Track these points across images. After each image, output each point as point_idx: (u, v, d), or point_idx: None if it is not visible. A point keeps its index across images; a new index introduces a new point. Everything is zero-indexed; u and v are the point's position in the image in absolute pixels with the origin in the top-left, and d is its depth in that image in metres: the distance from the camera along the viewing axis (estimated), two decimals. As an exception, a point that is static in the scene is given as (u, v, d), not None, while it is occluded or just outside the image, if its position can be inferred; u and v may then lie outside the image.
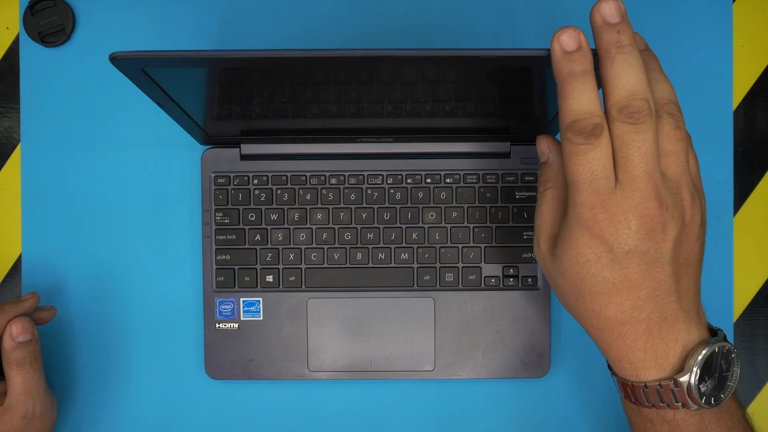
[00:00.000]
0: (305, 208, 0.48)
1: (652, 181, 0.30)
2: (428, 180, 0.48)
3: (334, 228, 0.48)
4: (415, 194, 0.48)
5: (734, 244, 0.50)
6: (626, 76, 0.30)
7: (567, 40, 0.29)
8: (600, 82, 0.31)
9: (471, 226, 0.48)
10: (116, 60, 0.30)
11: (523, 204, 0.48)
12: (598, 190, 0.31)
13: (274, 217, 0.48)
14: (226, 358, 0.48)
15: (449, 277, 0.48)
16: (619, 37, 0.29)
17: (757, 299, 0.50)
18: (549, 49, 0.30)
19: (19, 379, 0.42)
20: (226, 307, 0.49)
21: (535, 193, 0.48)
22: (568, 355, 0.50)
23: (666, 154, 0.32)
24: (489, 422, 0.50)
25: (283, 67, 0.34)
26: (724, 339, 0.34)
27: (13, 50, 0.50)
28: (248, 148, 0.48)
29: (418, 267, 0.48)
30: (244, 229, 0.48)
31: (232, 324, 0.48)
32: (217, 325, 0.48)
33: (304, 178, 0.48)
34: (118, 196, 0.50)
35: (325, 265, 0.48)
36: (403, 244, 0.48)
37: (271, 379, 0.48)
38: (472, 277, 0.48)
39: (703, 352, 0.32)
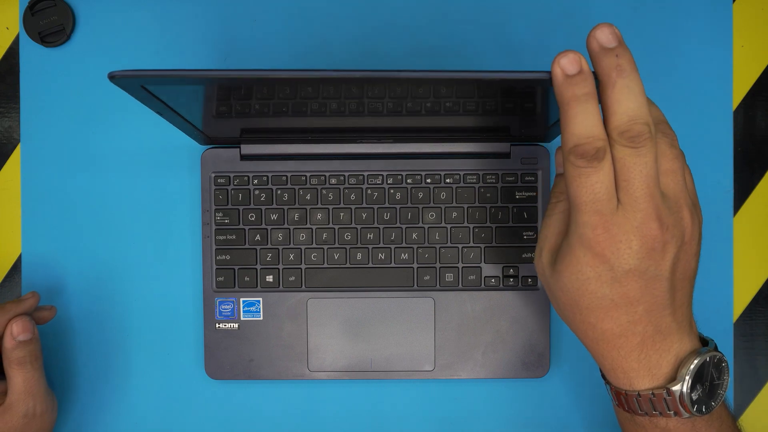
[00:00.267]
0: (305, 208, 0.48)
1: (653, 203, 0.31)
2: (428, 180, 0.48)
3: (334, 228, 0.48)
4: (415, 194, 0.48)
5: (734, 244, 0.50)
6: (627, 101, 0.30)
7: (568, 64, 0.29)
8: (601, 104, 0.31)
9: (471, 226, 0.48)
10: (115, 79, 0.30)
11: (523, 204, 0.48)
12: (600, 212, 0.31)
13: (274, 217, 0.48)
14: (226, 358, 0.48)
15: (449, 277, 0.48)
16: (619, 60, 0.29)
17: (757, 299, 0.50)
18: (550, 72, 0.30)
19: (19, 378, 0.42)
20: (226, 307, 0.49)
21: (534, 194, 0.48)
22: (568, 355, 0.50)
23: (664, 173, 0.32)
24: (489, 422, 0.50)
25: (282, 86, 0.35)
26: (715, 348, 0.35)
27: (13, 50, 0.50)
28: (248, 149, 0.48)
29: (418, 267, 0.48)
30: (244, 229, 0.48)
31: (232, 324, 0.48)
32: (217, 325, 0.48)
33: (304, 178, 0.48)
34: (118, 196, 0.50)
35: (325, 265, 0.48)
36: (403, 244, 0.48)
37: (271, 379, 0.49)
38: (472, 277, 0.48)
39: (695, 361, 0.33)
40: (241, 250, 0.48)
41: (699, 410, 0.34)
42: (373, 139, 0.47)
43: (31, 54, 0.50)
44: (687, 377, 0.33)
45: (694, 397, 0.33)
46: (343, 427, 0.50)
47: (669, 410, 0.34)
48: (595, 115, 0.30)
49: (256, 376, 0.48)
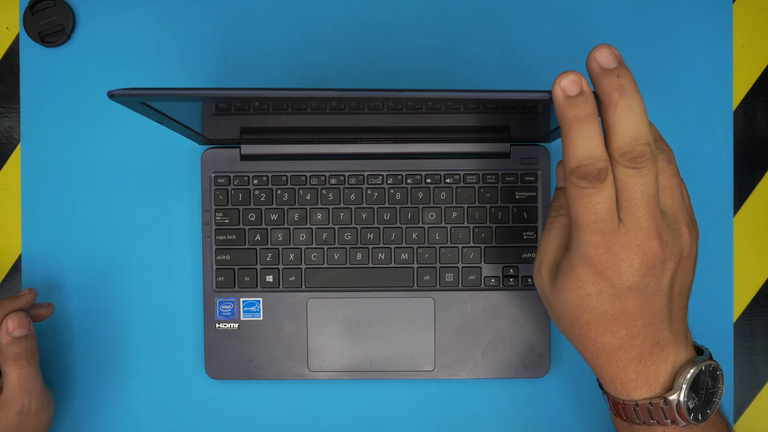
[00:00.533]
0: (305, 208, 0.48)
1: (654, 221, 0.31)
2: (428, 180, 0.48)
3: (334, 228, 0.48)
4: (415, 194, 0.48)
5: (734, 244, 0.50)
6: (629, 121, 0.30)
7: (568, 85, 0.29)
8: (602, 124, 0.31)
9: (471, 226, 0.48)
10: (115, 97, 0.31)
11: (523, 204, 0.48)
12: (602, 231, 0.31)
13: (274, 217, 0.48)
14: (226, 358, 0.48)
15: (449, 277, 0.48)
16: (620, 81, 0.29)
17: (757, 299, 0.50)
18: (550, 92, 0.30)
19: (14, 375, 0.42)
20: (226, 307, 0.49)
21: (534, 194, 0.48)
22: (568, 355, 0.50)
23: (662, 189, 0.33)
24: (489, 422, 0.50)
25: (281, 102, 0.35)
26: (710, 357, 0.35)
27: (13, 50, 0.50)
28: (248, 149, 0.48)
29: (418, 267, 0.48)
30: (244, 229, 0.48)
31: (232, 324, 0.48)
32: (217, 325, 0.48)
33: (304, 178, 0.48)
34: (117, 195, 0.50)
35: (325, 265, 0.48)
36: (403, 244, 0.48)
37: (271, 379, 0.49)
38: (472, 277, 0.48)
39: (691, 371, 0.34)
40: (241, 250, 0.48)
41: (695, 418, 0.34)
42: (373, 139, 0.47)
43: (31, 54, 0.50)
44: (684, 386, 0.33)
45: (691, 405, 0.34)
46: (343, 427, 0.50)
47: (666, 419, 0.34)
48: (596, 137, 0.30)
49: (256, 376, 0.48)
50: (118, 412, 0.50)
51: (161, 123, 0.39)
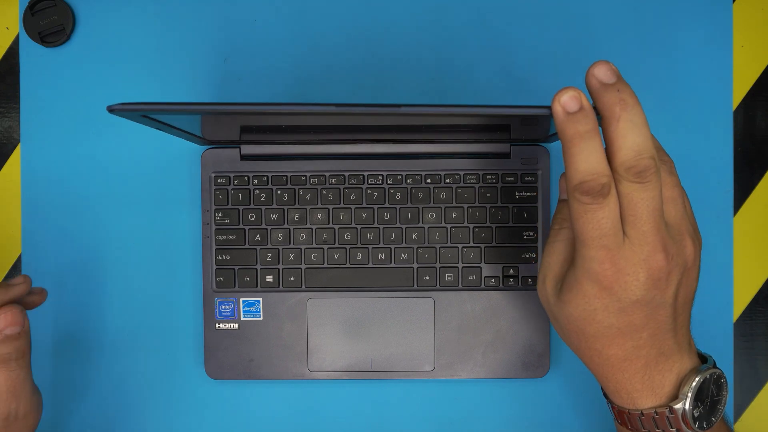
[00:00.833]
0: (305, 208, 0.48)
1: (659, 235, 0.31)
2: (428, 180, 0.48)
3: (334, 228, 0.48)
4: (415, 194, 0.48)
5: (734, 244, 0.50)
6: (632, 135, 0.30)
7: (569, 102, 0.29)
8: (605, 139, 0.31)
9: (471, 226, 0.48)
10: (115, 112, 0.31)
11: (523, 204, 0.48)
12: (607, 246, 0.31)
13: (274, 217, 0.48)
14: (226, 358, 0.48)
15: (449, 277, 0.48)
16: (621, 95, 0.29)
17: (757, 299, 0.50)
18: (550, 107, 0.30)
19: (1, 378, 0.38)
20: (226, 307, 0.49)
21: (534, 194, 0.48)
22: (568, 355, 0.50)
23: (666, 201, 0.33)
24: (489, 422, 0.50)
25: (280, 116, 0.35)
26: (714, 365, 0.35)
27: (13, 50, 0.50)
28: (248, 149, 0.48)
29: (418, 267, 0.48)
30: (244, 229, 0.48)
31: (232, 324, 0.48)
32: (217, 325, 0.48)
33: (304, 178, 0.48)
34: (118, 195, 0.50)
35: (325, 265, 0.48)
36: (403, 244, 0.48)
37: (271, 379, 0.49)
38: (472, 277, 0.48)
39: (696, 379, 0.34)
40: (241, 250, 0.48)
41: (700, 426, 0.34)
42: (373, 139, 0.47)
43: (31, 54, 0.50)
44: (689, 395, 0.33)
45: (696, 414, 0.34)
46: (343, 427, 0.50)
47: (671, 427, 0.34)
48: (598, 152, 0.30)
49: (256, 376, 0.48)
50: (118, 412, 0.50)
51: (161, 130, 0.39)
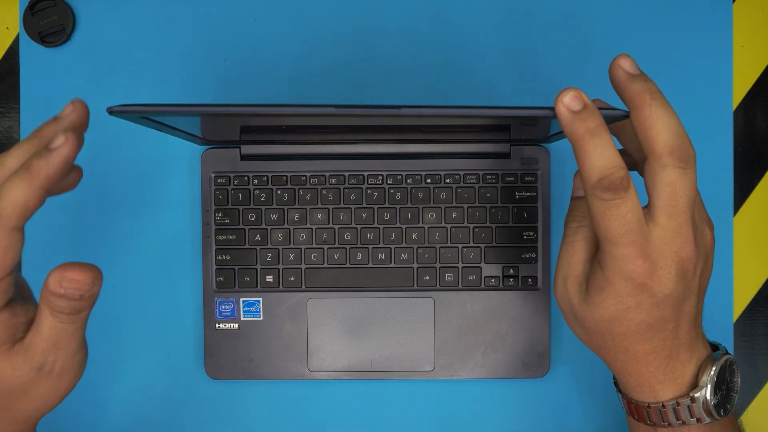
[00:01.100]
0: (305, 208, 0.48)
1: (693, 226, 0.31)
2: (428, 180, 0.48)
3: (334, 228, 0.48)
4: (415, 194, 0.48)
5: (734, 244, 0.50)
6: (668, 118, 0.29)
7: (571, 101, 0.29)
8: (637, 128, 0.30)
9: (471, 226, 0.48)
10: (114, 113, 0.31)
11: (523, 204, 0.48)
12: (636, 242, 0.30)
13: (274, 217, 0.48)
14: (226, 358, 0.48)
15: (449, 277, 0.48)
16: (649, 84, 0.29)
17: (757, 299, 0.50)
18: (553, 108, 0.29)
19: (47, 324, 0.30)
20: (226, 307, 0.49)
21: (534, 194, 0.48)
22: (568, 355, 0.50)
23: None
24: (489, 422, 0.50)
25: (280, 117, 0.35)
26: (726, 352, 0.35)
27: (13, 50, 0.50)
28: (248, 149, 0.48)
29: (418, 267, 0.48)
30: (244, 229, 0.48)
31: (232, 324, 0.48)
32: (217, 325, 0.48)
33: (304, 178, 0.48)
34: (118, 195, 0.50)
35: (325, 265, 0.48)
36: (403, 244, 0.48)
37: (271, 379, 0.49)
38: (472, 277, 0.48)
39: (714, 367, 0.34)
40: (241, 250, 0.48)
41: (719, 414, 0.34)
42: (373, 139, 0.47)
43: (31, 54, 0.50)
44: (709, 383, 0.33)
45: (714, 401, 0.34)
46: (343, 427, 0.50)
47: (692, 417, 0.34)
48: (612, 146, 0.29)
49: (256, 376, 0.48)
50: (118, 412, 0.50)
51: (161, 131, 0.39)
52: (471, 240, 0.48)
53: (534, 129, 0.44)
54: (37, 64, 0.50)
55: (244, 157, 0.48)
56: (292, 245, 0.48)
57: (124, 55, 0.50)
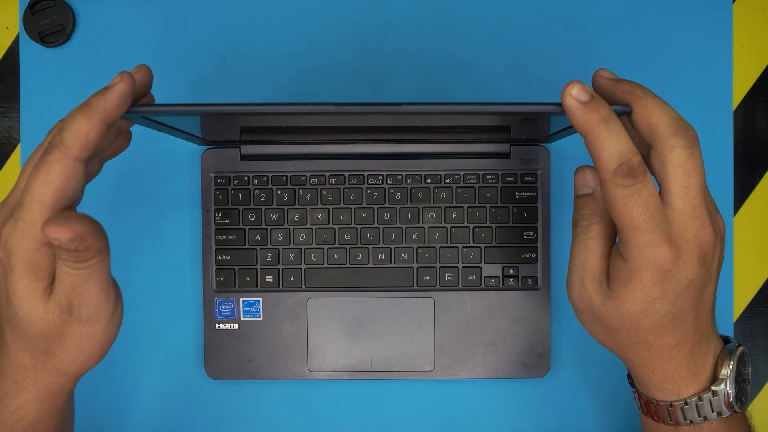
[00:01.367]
0: (305, 208, 0.48)
1: (707, 207, 0.31)
2: (428, 180, 0.48)
3: (334, 228, 0.48)
4: (415, 194, 0.48)
5: (734, 244, 0.50)
6: (664, 105, 0.30)
7: (580, 93, 0.29)
8: (638, 119, 0.31)
9: (471, 226, 0.48)
10: None
11: (523, 204, 0.48)
12: (659, 227, 0.30)
13: (274, 217, 0.48)
14: (226, 358, 0.48)
15: (449, 277, 0.48)
16: (634, 83, 0.31)
17: (757, 299, 0.50)
18: (558, 104, 0.30)
19: (61, 269, 0.31)
20: (226, 307, 0.49)
21: (534, 194, 0.48)
22: (568, 355, 0.50)
23: None
24: (489, 422, 0.50)
25: (280, 116, 0.35)
26: (738, 342, 0.35)
27: (13, 50, 0.50)
28: (248, 149, 0.48)
29: (418, 267, 0.48)
30: (244, 229, 0.48)
31: (232, 324, 0.48)
32: (217, 325, 0.48)
33: (304, 178, 0.48)
34: (118, 195, 0.50)
35: (325, 265, 0.48)
36: (403, 244, 0.48)
37: (271, 379, 0.49)
38: (472, 277, 0.48)
39: (732, 360, 0.33)
40: (241, 250, 0.48)
41: (739, 407, 0.34)
42: (373, 139, 0.47)
43: (31, 54, 0.50)
44: (729, 376, 0.33)
45: (734, 393, 0.34)
46: (343, 427, 0.50)
47: (712, 412, 0.34)
48: (624, 131, 0.29)
49: (256, 376, 0.48)
50: (118, 412, 0.50)
51: (161, 131, 0.39)
52: (471, 240, 0.48)
53: (534, 129, 0.44)
54: (37, 64, 0.50)
55: (244, 157, 0.48)
56: (292, 245, 0.48)
57: (124, 55, 0.50)
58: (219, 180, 0.48)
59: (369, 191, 0.48)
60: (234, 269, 0.48)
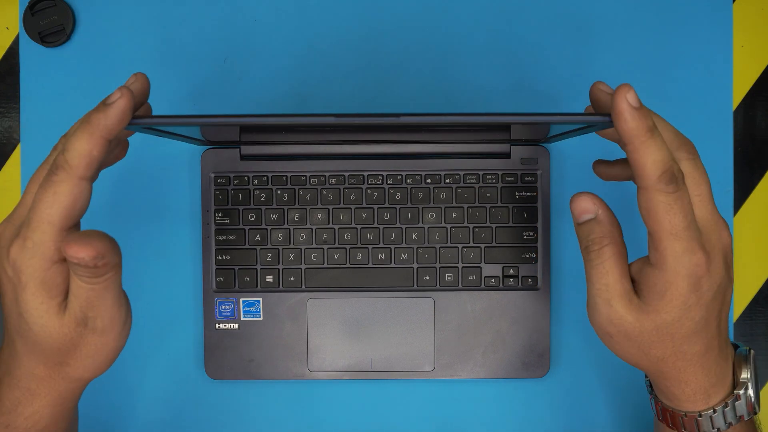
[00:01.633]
0: (305, 209, 0.48)
1: (718, 213, 0.32)
2: (428, 180, 0.48)
3: (334, 228, 0.48)
4: (415, 194, 0.48)
5: (734, 244, 0.50)
6: (662, 121, 0.33)
7: (634, 98, 0.28)
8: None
9: (471, 226, 0.48)
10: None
11: (523, 204, 0.48)
12: (695, 234, 0.30)
13: (274, 217, 0.48)
14: (226, 358, 0.48)
15: (449, 277, 0.48)
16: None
17: (757, 299, 0.50)
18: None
19: (76, 284, 0.32)
20: (226, 307, 0.49)
21: (534, 194, 0.48)
22: (568, 355, 0.50)
23: None
24: (489, 422, 0.50)
25: (280, 126, 0.35)
26: (749, 347, 0.36)
27: (13, 50, 0.50)
28: (248, 149, 0.48)
29: (418, 267, 0.48)
30: (244, 229, 0.48)
31: (232, 324, 0.48)
32: (217, 325, 0.48)
33: (304, 178, 0.48)
34: (118, 195, 0.50)
35: (325, 266, 0.48)
36: (403, 245, 0.48)
37: (271, 379, 0.49)
38: (472, 277, 0.48)
39: (751, 363, 0.34)
40: (241, 250, 0.48)
41: (758, 409, 0.34)
42: (373, 139, 0.47)
43: (31, 54, 0.50)
44: (750, 379, 0.34)
45: (755, 396, 0.34)
46: (343, 427, 0.50)
47: (737, 416, 0.34)
48: (664, 139, 0.29)
49: (256, 376, 0.48)
50: (118, 412, 0.50)
51: (161, 136, 0.39)
52: (471, 240, 0.48)
53: (535, 129, 0.44)
54: (37, 64, 0.50)
55: (244, 158, 0.48)
56: (292, 245, 0.48)
57: (124, 55, 0.50)
58: (219, 180, 0.48)
59: (369, 191, 0.48)
60: (234, 269, 0.48)
